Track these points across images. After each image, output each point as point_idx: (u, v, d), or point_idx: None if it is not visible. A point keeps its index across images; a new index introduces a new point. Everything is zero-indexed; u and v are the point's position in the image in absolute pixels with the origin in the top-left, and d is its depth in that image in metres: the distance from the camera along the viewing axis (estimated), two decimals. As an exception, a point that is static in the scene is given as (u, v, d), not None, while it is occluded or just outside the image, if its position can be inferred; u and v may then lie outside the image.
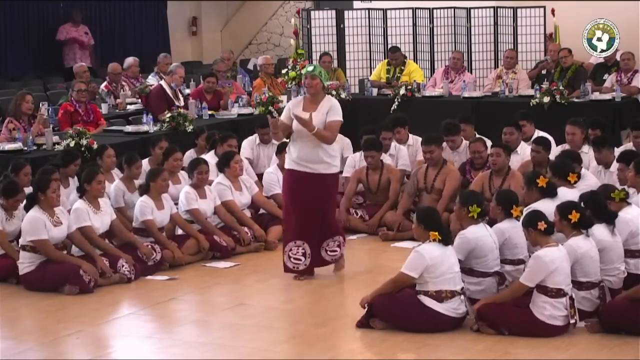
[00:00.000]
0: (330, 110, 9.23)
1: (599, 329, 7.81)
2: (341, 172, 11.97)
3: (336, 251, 9.54)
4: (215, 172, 11.12)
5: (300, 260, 9.39)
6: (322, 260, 9.54)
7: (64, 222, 9.44)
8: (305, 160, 9.23)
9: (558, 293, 7.71)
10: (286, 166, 9.49)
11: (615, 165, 10.21)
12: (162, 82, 14.24)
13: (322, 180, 9.27)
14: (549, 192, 8.79)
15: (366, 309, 8.04)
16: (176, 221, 10.33)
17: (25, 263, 9.36)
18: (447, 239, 7.98)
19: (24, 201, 9.55)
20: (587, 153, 10.93)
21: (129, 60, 16.18)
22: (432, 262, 7.83)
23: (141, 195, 10.16)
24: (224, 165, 10.89)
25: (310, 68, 9.38)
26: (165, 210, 10.19)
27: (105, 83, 15.49)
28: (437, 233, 7.91)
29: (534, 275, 7.73)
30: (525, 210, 8.33)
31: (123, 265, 9.52)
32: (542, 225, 7.82)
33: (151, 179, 10.19)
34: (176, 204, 10.50)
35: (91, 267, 9.27)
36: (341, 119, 9.32)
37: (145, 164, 11.24)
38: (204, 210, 10.47)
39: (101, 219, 9.73)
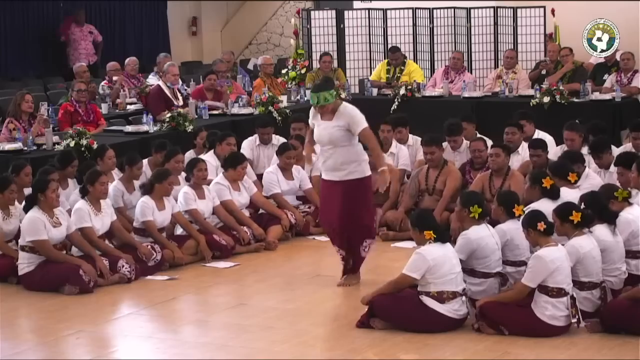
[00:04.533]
0: (350, 122, 9.01)
1: (599, 329, 7.81)
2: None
3: (364, 252, 9.36)
4: (214, 172, 11.12)
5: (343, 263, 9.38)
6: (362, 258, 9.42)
7: (64, 223, 9.44)
8: (330, 170, 9.13)
9: (559, 292, 7.71)
10: (321, 176, 9.36)
11: (613, 166, 10.21)
12: (160, 82, 14.25)
13: (344, 186, 9.09)
14: (552, 194, 8.78)
15: (367, 309, 8.05)
16: (178, 220, 10.32)
17: (25, 263, 9.36)
18: (443, 237, 7.98)
19: (24, 202, 9.57)
20: (587, 154, 10.91)
21: (128, 59, 16.22)
22: (434, 262, 7.83)
23: (143, 194, 10.14)
24: (230, 165, 10.86)
25: (314, 101, 9.04)
26: (167, 211, 10.18)
27: (105, 80, 15.51)
28: (431, 232, 7.91)
29: (536, 276, 7.73)
30: (526, 210, 8.33)
31: (123, 266, 9.52)
32: (541, 226, 7.82)
33: (157, 180, 10.16)
34: (177, 204, 10.51)
35: (90, 268, 9.26)
36: (366, 124, 9.05)
37: (145, 165, 11.23)
38: (202, 211, 10.47)
39: (102, 220, 9.73)
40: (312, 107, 9.27)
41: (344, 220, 9.16)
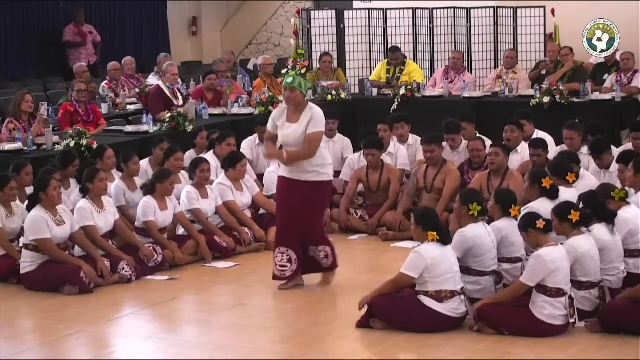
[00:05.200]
0: (310, 121, 8.88)
1: (599, 329, 7.81)
2: (337, 172, 12.03)
3: (285, 267, 9.18)
4: (215, 172, 11.13)
5: (286, 266, 9.16)
6: (315, 264, 9.25)
7: (67, 222, 9.44)
8: (293, 171, 8.98)
9: (558, 293, 7.72)
10: (278, 173, 9.27)
11: (613, 166, 10.22)
12: (160, 82, 14.25)
13: (307, 187, 8.97)
14: (551, 194, 8.79)
15: (366, 309, 8.05)
16: (180, 220, 10.33)
17: (27, 262, 9.36)
18: (445, 239, 7.97)
19: (25, 201, 9.57)
20: (587, 154, 10.92)
21: (124, 59, 16.19)
22: (432, 262, 7.83)
23: (145, 194, 10.15)
24: (229, 165, 10.87)
25: (289, 80, 8.92)
26: (169, 211, 10.18)
27: (106, 81, 15.52)
28: (435, 233, 7.91)
29: (535, 275, 7.73)
30: (523, 211, 8.33)
31: (124, 268, 9.52)
32: (540, 224, 7.81)
33: (158, 180, 10.16)
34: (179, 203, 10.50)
35: (90, 270, 9.25)
36: (322, 129, 8.95)
37: (145, 164, 11.24)
38: (205, 210, 10.48)
39: (105, 218, 9.74)
40: (275, 110, 9.03)
41: (299, 220, 9.07)
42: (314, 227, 9.19)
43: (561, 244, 7.90)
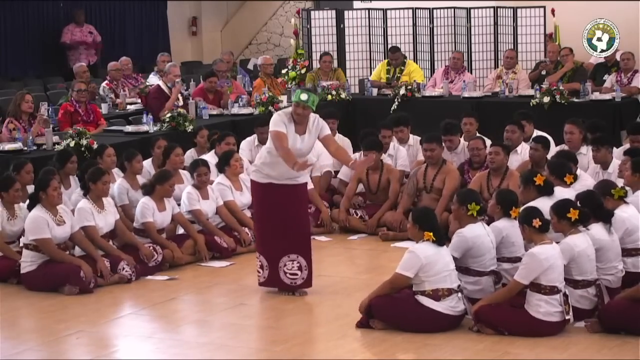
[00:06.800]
0: (320, 127, 8.79)
1: (598, 328, 7.82)
2: (337, 172, 12.04)
3: (296, 275, 9.00)
4: (215, 172, 11.13)
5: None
6: (280, 281, 9.02)
7: (67, 222, 9.44)
8: (290, 177, 8.80)
9: (552, 290, 7.72)
10: (262, 180, 8.87)
11: (612, 166, 10.23)
12: (160, 82, 14.26)
13: (299, 190, 8.92)
14: (546, 190, 8.80)
15: (366, 310, 8.05)
16: (179, 221, 10.33)
17: (27, 262, 9.36)
18: (441, 240, 7.97)
19: (27, 200, 9.57)
20: (586, 154, 10.92)
21: (120, 60, 16.18)
22: (427, 260, 7.83)
23: (144, 195, 10.15)
24: (224, 164, 10.89)
25: (303, 97, 8.64)
26: (167, 212, 10.18)
27: (106, 81, 15.51)
28: (431, 233, 7.91)
29: (529, 273, 7.74)
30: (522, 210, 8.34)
31: (124, 268, 9.52)
32: (536, 223, 7.82)
33: (158, 181, 10.16)
34: (179, 203, 10.50)
35: (89, 270, 9.25)
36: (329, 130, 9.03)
37: (148, 164, 11.24)
38: (205, 211, 10.47)
39: (105, 219, 9.73)
40: (280, 117, 8.76)
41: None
42: (296, 233, 9.02)
43: (557, 242, 7.91)
